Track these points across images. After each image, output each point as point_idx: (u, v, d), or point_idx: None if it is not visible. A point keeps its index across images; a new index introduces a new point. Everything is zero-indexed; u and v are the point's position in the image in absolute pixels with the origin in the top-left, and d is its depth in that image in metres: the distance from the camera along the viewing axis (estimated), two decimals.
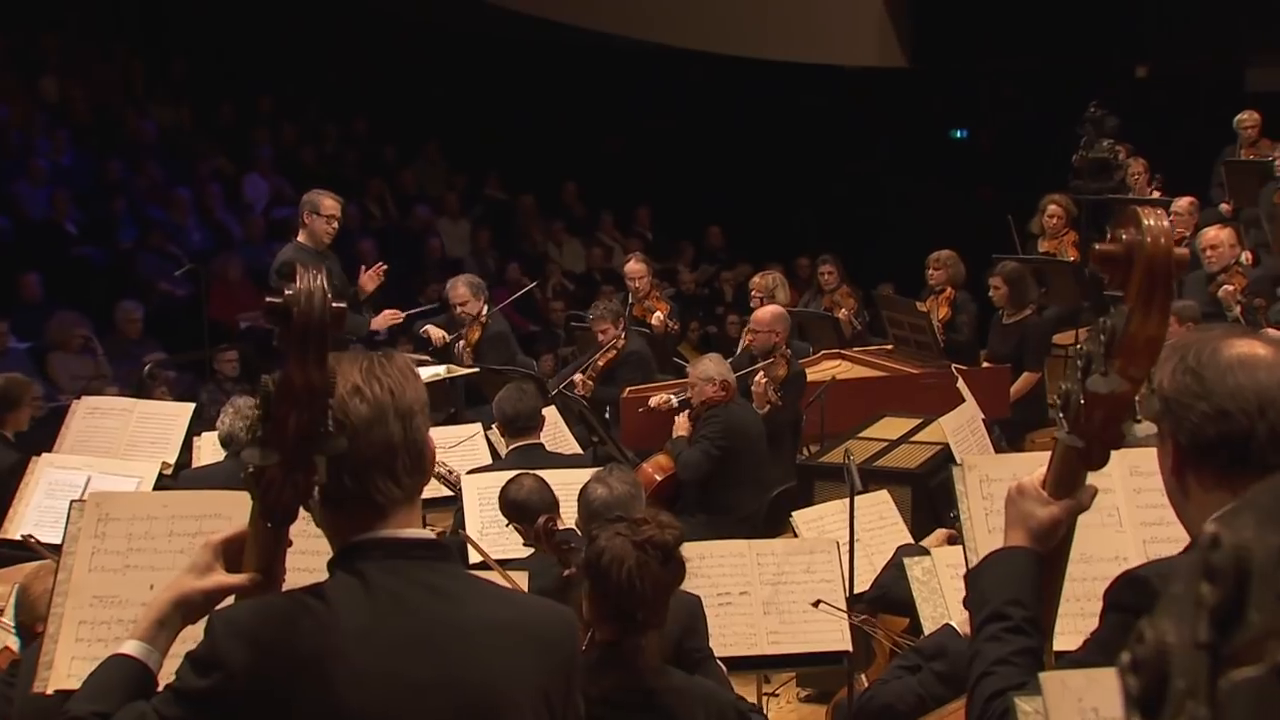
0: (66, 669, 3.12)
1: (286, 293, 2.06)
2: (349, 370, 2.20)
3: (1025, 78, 17.08)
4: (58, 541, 6.55)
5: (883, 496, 6.38)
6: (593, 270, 16.39)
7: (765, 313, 9.27)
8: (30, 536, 5.64)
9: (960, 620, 4.06)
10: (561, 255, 16.53)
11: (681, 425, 8.24)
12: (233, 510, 3.24)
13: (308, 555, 2.60)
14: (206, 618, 2.18)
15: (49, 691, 3.12)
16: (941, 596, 4.17)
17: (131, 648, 2.27)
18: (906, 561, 4.36)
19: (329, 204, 9.14)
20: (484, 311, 9.80)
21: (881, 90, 17.59)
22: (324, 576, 2.27)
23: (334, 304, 2.07)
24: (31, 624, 4.40)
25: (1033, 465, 2.98)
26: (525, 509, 5.43)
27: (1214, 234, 9.79)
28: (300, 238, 9.16)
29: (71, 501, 3.25)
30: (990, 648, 2.28)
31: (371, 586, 2.16)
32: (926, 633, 4.19)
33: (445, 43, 18.84)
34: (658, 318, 10.59)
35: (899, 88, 17.39)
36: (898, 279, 13.80)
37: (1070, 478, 2.29)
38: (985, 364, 10.02)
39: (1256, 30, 14.30)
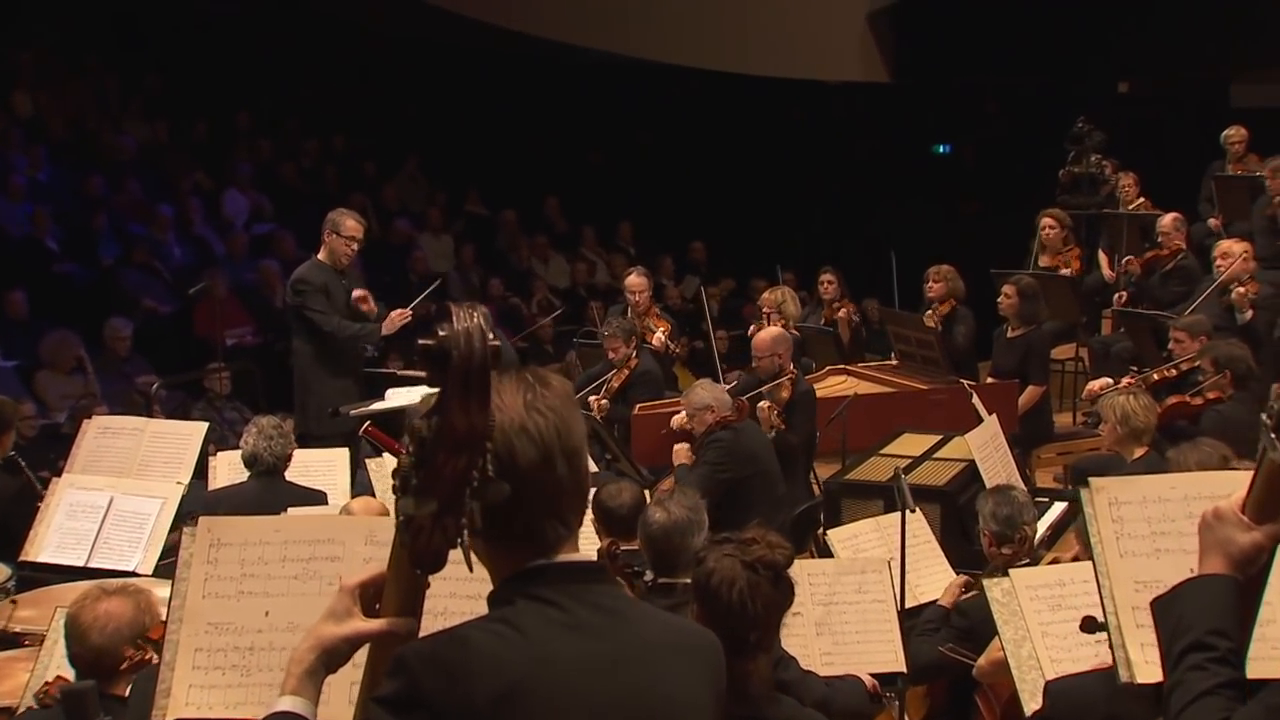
0: (184, 697, 3.07)
1: (441, 333, 1.98)
2: (512, 403, 2.14)
3: (1008, 93, 17.18)
4: (79, 564, 6.61)
5: (914, 514, 6.37)
6: (577, 285, 16.35)
7: (764, 337, 8.96)
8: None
9: (1053, 648, 4.07)
10: (547, 271, 16.47)
11: (681, 453, 8.03)
12: (345, 535, 3.22)
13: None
14: (395, 657, 2.10)
15: None
16: (1022, 619, 4.15)
17: (288, 703, 2.20)
18: (986, 583, 4.33)
19: (350, 225, 9.04)
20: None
21: (864, 105, 17.65)
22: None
23: (492, 342, 2.00)
24: (84, 653, 4.24)
25: (1164, 487, 3.00)
26: (612, 519, 5.32)
27: (1227, 244, 9.88)
28: (320, 255, 9.08)
29: (184, 526, 3.19)
30: (1194, 678, 2.22)
31: (556, 611, 2.14)
32: (1007, 654, 4.18)
33: (420, 57, 18.79)
34: (658, 338, 10.54)
35: (882, 102, 17.45)
36: (881, 293, 13.84)
37: (1275, 501, 2.25)
38: (989, 379, 10.03)
39: (1240, 46, 14.43)
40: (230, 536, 3.20)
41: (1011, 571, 4.28)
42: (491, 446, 2.03)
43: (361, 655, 2.26)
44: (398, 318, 9.21)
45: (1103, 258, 12.61)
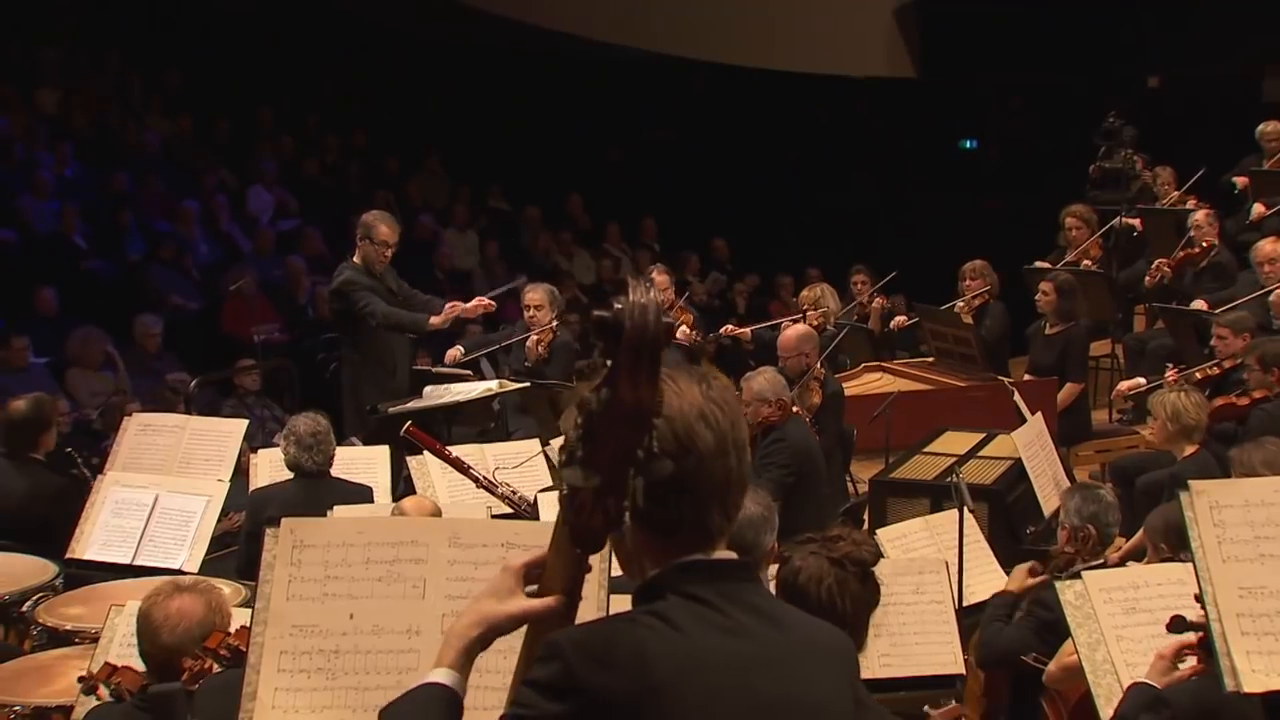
0: (270, 700, 3.04)
1: (616, 306, 1.99)
2: (689, 391, 2.15)
3: (1034, 88, 17.10)
4: (126, 561, 6.59)
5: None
6: (604, 282, 16.30)
7: (790, 335, 8.78)
8: None
9: (1128, 651, 4.02)
10: (573, 267, 16.43)
11: None
12: (429, 537, 3.17)
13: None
14: (548, 642, 2.11)
15: None
16: (1096, 622, 4.09)
17: (444, 676, 2.19)
18: (1059, 585, 4.27)
19: (384, 231, 8.98)
20: (554, 322, 9.69)
21: (890, 100, 17.58)
22: None
23: (666, 319, 2.00)
24: (155, 651, 4.18)
25: (1267, 491, 2.95)
26: None
27: (1270, 248, 9.78)
28: (355, 259, 9.02)
29: (267, 528, 3.16)
30: None
31: (711, 611, 2.13)
32: (1081, 658, 4.12)
33: (440, 53, 18.75)
34: (683, 331, 10.50)
35: (908, 98, 17.39)
36: (907, 289, 13.76)
37: None
38: (1027, 376, 9.97)
39: (1274, 40, 14.31)
40: (313, 538, 3.15)
41: (1085, 574, 4.22)
42: (659, 424, 2.04)
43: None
44: (452, 312, 9.09)
45: (1124, 220, 12.46)
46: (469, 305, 9.21)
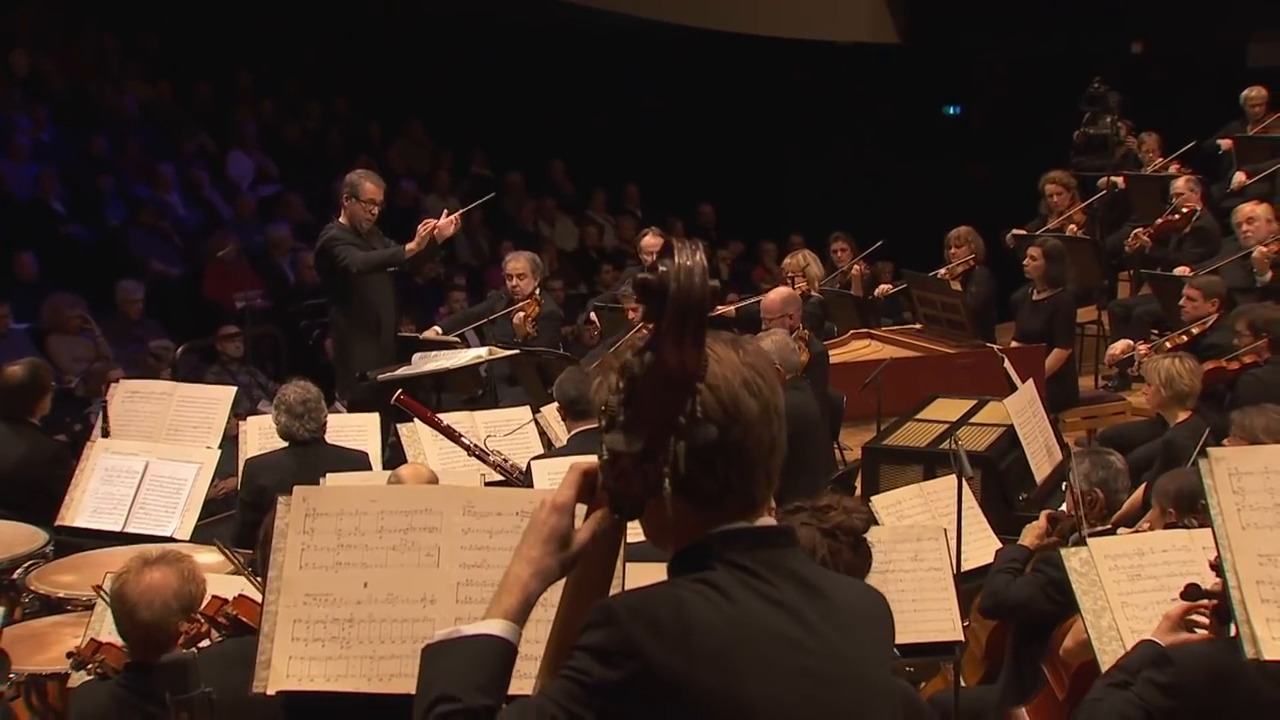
0: (285, 669, 3.03)
1: (661, 268, 1.95)
2: (728, 356, 2.10)
3: (1018, 54, 17.06)
4: (116, 529, 6.56)
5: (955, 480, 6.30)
6: (587, 248, 16.26)
7: (773, 298, 8.72)
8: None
9: (1134, 618, 4.02)
10: (554, 233, 16.37)
11: None
12: (443, 505, 3.16)
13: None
14: (601, 606, 2.07)
15: (270, 692, 3.02)
16: (1101, 589, 4.08)
17: (501, 628, 2.10)
18: (1064, 552, 4.27)
19: (369, 189, 8.87)
20: (537, 290, 9.62)
21: (874, 66, 17.54)
22: None
23: (713, 282, 1.97)
24: (134, 630, 4.07)
25: None
26: None
27: (1250, 208, 9.80)
28: (341, 219, 8.94)
29: (278, 496, 3.14)
30: None
31: (758, 581, 2.10)
32: (1086, 624, 4.12)
33: (423, 20, 18.61)
34: None
35: (891, 64, 17.35)
36: (891, 256, 13.74)
37: None
38: (1015, 342, 9.97)
39: (1257, 4, 14.29)
40: (326, 506, 3.14)
41: (1090, 541, 4.22)
42: (704, 391, 2.02)
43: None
44: (425, 230, 8.75)
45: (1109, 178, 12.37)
46: (441, 222, 8.84)
